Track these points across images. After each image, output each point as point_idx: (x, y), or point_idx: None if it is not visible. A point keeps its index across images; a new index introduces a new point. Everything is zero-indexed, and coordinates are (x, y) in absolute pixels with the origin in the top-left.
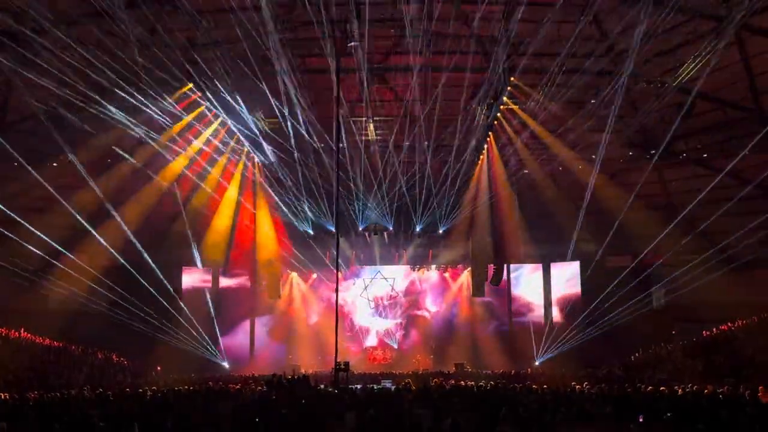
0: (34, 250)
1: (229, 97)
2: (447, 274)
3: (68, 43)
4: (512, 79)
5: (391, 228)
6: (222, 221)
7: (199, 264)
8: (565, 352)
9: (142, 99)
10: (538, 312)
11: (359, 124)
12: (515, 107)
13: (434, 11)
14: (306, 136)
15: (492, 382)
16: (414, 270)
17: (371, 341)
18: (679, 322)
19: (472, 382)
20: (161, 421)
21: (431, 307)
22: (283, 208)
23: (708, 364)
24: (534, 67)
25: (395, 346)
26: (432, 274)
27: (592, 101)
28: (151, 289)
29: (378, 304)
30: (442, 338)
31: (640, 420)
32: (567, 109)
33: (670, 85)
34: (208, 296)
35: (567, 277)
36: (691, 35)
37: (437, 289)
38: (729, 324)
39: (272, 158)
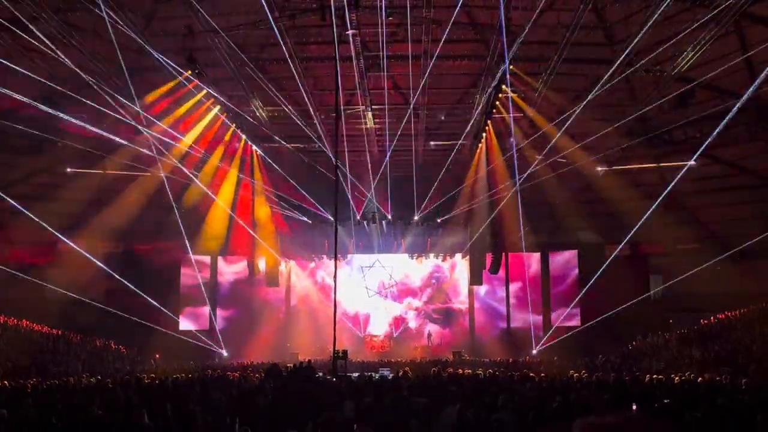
0: (32, 237)
1: (227, 85)
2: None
3: (64, 30)
4: (511, 67)
5: (389, 216)
6: (220, 209)
7: (197, 251)
8: (563, 341)
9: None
10: None
11: (358, 112)
12: (514, 95)
13: None
14: (304, 124)
15: (490, 371)
16: (411, 258)
17: (380, 329)
18: (677, 312)
19: (470, 371)
20: (160, 408)
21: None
22: (282, 196)
23: (705, 353)
24: (533, 55)
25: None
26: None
27: (591, 90)
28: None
29: (380, 289)
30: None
31: (634, 408)
32: (566, 97)
33: (669, 74)
34: (206, 284)
35: (565, 266)
36: (690, 23)
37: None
38: (726, 313)
39: (270, 146)
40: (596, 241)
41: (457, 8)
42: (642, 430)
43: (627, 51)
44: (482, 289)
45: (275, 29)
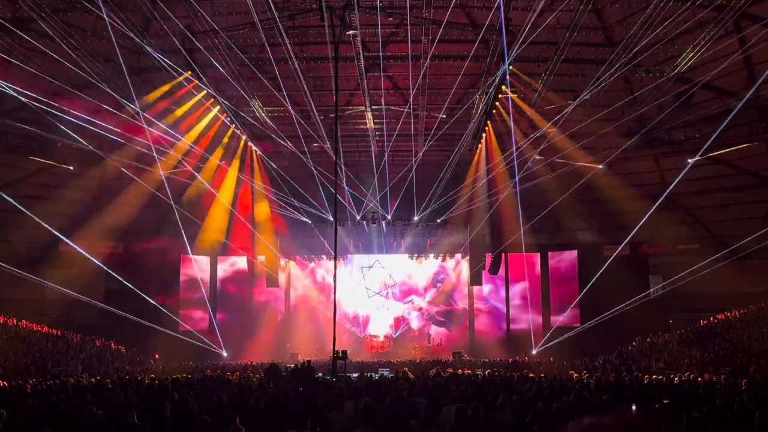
0: (33, 238)
1: (227, 85)
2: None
3: (64, 30)
4: (511, 67)
5: (389, 216)
6: (220, 209)
7: (197, 251)
8: (563, 341)
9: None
10: None
11: (358, 112)
12: (514, 96)
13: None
14: (304, 124)
15: (489, 371)
16: (412, 258)
17: (380, 329)
18: (676, 312)
19: (470, 371)
20: (159, 409)
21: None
22: (282, 196)
23: (705, 353)
24: (533, 55)
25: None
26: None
27: (591, 90)
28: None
29: (382, 290)
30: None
31: (634, 409)
32: (565, 98)
33: (668, 74)
34: (206, 284)
35: (565, 266)
36: (690, 24)
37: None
38: (725, 313)
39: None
40: (596, 241)
41: (456, 9)
42: (642, 430)
43: (627, 51)
44: (486, 289)
45: (275, 29)
